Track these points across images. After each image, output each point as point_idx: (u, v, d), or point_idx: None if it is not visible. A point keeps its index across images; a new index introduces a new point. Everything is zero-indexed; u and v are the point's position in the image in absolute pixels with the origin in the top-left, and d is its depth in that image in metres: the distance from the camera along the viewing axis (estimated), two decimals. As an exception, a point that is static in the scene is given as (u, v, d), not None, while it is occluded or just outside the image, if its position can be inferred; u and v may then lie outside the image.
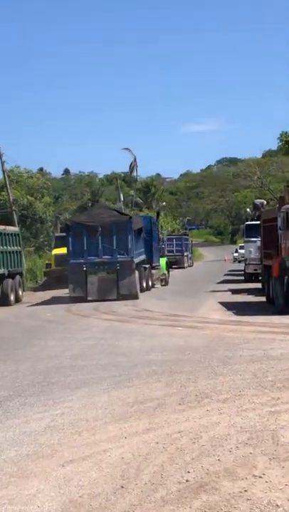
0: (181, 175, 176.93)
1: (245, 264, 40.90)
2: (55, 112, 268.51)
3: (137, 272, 32.24)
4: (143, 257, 35.07)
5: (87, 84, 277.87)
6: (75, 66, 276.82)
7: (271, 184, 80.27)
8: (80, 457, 7.76)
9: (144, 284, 35.27)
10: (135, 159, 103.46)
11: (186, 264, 70.30)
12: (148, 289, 36.16)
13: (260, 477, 6.75)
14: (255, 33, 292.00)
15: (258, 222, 33.88)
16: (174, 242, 69.90)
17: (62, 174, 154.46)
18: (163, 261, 42.10)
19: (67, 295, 32.62)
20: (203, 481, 6.75)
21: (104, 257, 31.52)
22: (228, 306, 25.80)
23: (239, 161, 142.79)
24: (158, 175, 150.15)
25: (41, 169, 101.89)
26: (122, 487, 6.75)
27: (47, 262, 47.36)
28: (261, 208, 37.42)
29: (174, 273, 53.84)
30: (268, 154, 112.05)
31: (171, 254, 64.37)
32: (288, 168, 69.11)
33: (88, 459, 7.68)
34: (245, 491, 6.43)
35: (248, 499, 6.23)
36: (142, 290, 34.07)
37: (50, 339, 18.79)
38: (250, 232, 38.49)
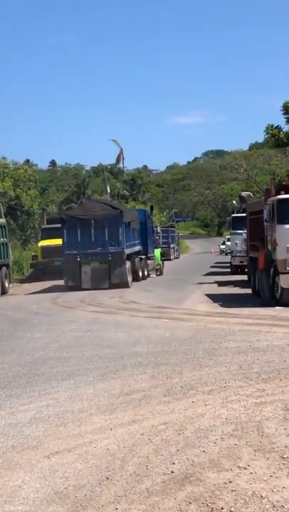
0: (167, 167, 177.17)
1: (232, 257, 40.95)
2: (42, 103, 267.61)
3: (128, 263, 33.71)
4: (137, 248, 37.16)
5: (74, 76, 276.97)
6: (62, 57, 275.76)
7: (257, 176, 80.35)
8: (66, 449, 7.75)
9: (140, 274, 37.38)
10: (122, 151, 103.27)
11: (172, 257, 70.28)
12: (144, 278, 38.26)
13: (245, 468, 6.76)
14: (241, 25, 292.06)
15: (244, 214, 33.90)
16: (161, 234, 69.90)
17: (49, 166, 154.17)
18: (157, 252, 44.21)
19: (55, 285, 32.66)
20: (188, 472, 6.76)
21: (96, 248, 33.07)
22: (215, 298, 25.84)
23: (226, 153, 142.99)
24: (145, 167, 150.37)
25: (27, 161, 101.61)
26: (108, 478, 6.76)
27: (33, 254, 47.29)
28: (247, 200, 37.52)
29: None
30: (255, 147, 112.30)
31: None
32: (274, 161, 69.21)
33: (74, 450, 7.68)
34: (230, 482, 6.44)
35: (232, 490, 6.25)
36: (138, 279, 36.57)
37: (36, 331, 18.76)
38: (237, 224, 38.50)
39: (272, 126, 45.50)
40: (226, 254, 62.59)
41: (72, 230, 33.37)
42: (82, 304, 26.38)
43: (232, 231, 40.59)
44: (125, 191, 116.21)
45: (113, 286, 32.47)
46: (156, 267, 43.64)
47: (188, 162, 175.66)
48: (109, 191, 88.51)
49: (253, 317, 19.44)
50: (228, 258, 47.62)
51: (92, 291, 31.64)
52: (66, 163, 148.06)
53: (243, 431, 7.96)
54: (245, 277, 32.70)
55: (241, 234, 36.82)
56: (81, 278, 33.00)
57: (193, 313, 21.21)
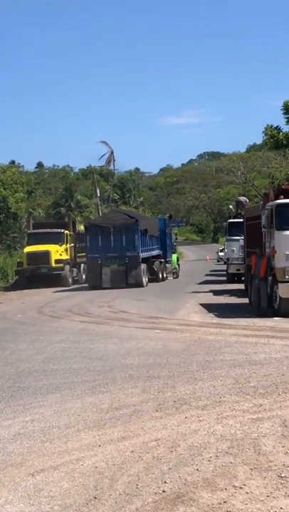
0: (160, 170, 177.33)
1: (228, 264, 40.94)
2: (29, 102, 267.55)
3: (143, 265, 39.81)
4: (155, 252, 43.88)
5: (62, 75, 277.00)
6: (49, 54, 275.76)
7: (255, 180, 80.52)
8: (51, 466, 7.74)
9: (160, 276, 43.67)
10: (112, 153, 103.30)
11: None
12: (163, 280, 44.13)
13: (241, 488, 6.77)
14: (238, 22, 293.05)
15: (241, 219, 33.97)
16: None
17: (36, 167, 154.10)
18: (174, 256, 50.21)
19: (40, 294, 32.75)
20: (180, 491, 6.76)
21: (115, 252, 39.20)
22: (210, 307, 25.85)
23: (222, 155, 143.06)
24: (137, 169, 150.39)
25: (13, 162, 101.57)
26: (95, 498, 6.75)
27: (18, 260, 47.24)
28: (245, 205, 37.63)
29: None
30: (253, 149, 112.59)
31: None
32: (273, 164, 69.33)
33: (60, 468, 7.67)
34: (225, 502, 6.45)
35: (227, 511, 6.25)
36: (158, 281, 42.83)
37: (20, 342, 18.72)
38: (233, 230, 38.59)
39: (271, 126, 45.62)
40: (225, 262, 62.79)
41: (94, 236, 39.71)
42: (69, 313, 26.35)
43: (228, 237, 40.63)
44: (115, 195, 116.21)
45: (130, 285, 38.22)
46: (173, 271, 49.28)
47: (183, 164, 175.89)
48: (99, 195, 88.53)
49: (250, 328, 19.46)
50: (224, 266, 47.63)
51: (81, 300, 31.70)
52: (54, 165, 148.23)
53: (239, 448, 7.96)
54: (241, 286, 32.74)
55: (238, 240, 36.87)
56: (102, 278, 38.92)
57: (187, 323, 21.21)
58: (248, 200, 42.48)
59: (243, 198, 42.54)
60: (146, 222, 43.88)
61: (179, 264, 51.95)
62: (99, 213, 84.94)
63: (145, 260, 40.64)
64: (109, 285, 38.44)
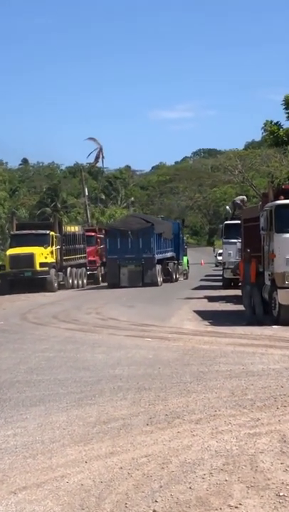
0: (153, 167, 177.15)
1: (224, 269, 40.96)
2: (13, 95, 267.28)
3: (158, 266, 45.97)
4: (169, 254, 50.18)
5: (48, 67, 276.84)
6: (36, 44, 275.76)
7: (254, 179, 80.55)
8: (35, 483, 7.72)
9: (174, 276, 50.57)
10: (101, 149, 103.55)
11: None
12: (176, 280, 50.92)
13: (236, 507, 6.77)
14: (237, 8, 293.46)
15: (239, 221, 33.98)
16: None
17: (20, 164, 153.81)
18: (185, 259, 56.92)
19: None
20: (172, 511, 6.75)
21: (132, 254, 45.22)
22: (204, 315, 25.88)
23: (218, 152, 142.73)
24: (127, 167, 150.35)
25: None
26: (81, 518, 6.74)
27: (0, 263, 47.19)
28: (242, 206, 37.69)
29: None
30: (251, 146, 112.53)
31: None
32: (273, 162, 69.42)
33: (43, 485, 7.65)
34: (220, 522, 6.45)
35: (222, 532, 6.25)
36: (172, 281, 49.47)
37: (2, 350, 18.70)
38: (230, 232, 38.67)
39: (271, 122, 45.77)
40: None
41: (113, 239, 46.12)
42: (54, 320, 26.34)
43: (225, 240, 40.72)
44: (102, 194, 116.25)
45: (145, 284, 44.20)
46: (184, 272, 55.88)
47: (176, 162, 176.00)
48: (87, 194, 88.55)
49: (248, 337, 19.48)
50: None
51: (67, 306, 31.76)
52: (39, 162, 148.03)
53: (235, 465, 7.96)
54: (238, 292, 32.75)
55: (235, 243, 36.92)
56: (120, 278, 45.04)
57: (179, 331, 21.23)
58: (245, 199, 42.56)
59: (239, 198, 42.78)
60: (161, 226, 49.83)
61: (189, 266, 58.66)
62: (87, 214, 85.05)
63: (160, 262, 46.94)
64: (127, 284, 44.50)
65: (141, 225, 46.72)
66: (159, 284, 45.37)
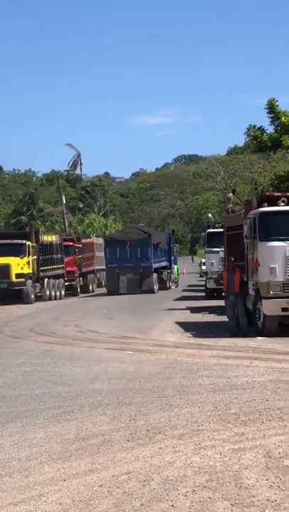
0: (133, 174, 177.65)
1: (207, 279, 41.00)
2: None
3: (155, 274, 50.75)
4: (164, 263, 55.05)
5: (24, 71, 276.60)
6: (14, 56, 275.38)
7: (237, 186, 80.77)
8: (11, 503, 7.70)
9: (168, 285, 54.93)
10: (79, 155, 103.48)
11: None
12: (169, 287, 54.98)
13: (221, 525, 6.77)
14: (221, 10, 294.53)
15: (222, 229, 34.03)
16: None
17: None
18: (175, 267, 61.26)
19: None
20: (154, 530, 6.76)
21: (131, 263, 49.53)
22: (187, 326, 25.89)
23: (200, 158, 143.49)
24: (106, 174, 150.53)
25: None
26: (60, 538, 6.73)
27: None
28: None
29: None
30: (234, 152, 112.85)
31: None
32: (256, 168, 69.63)
33: (20, 505, 7.63)
34: None
35: None
36: (166, 289, 53.47)
37: (-23, 365, 18.63)
38: (213, 241, 38.75)
39: (254, 127, 46.04)
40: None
41: (112, 248, 50.60)
42: (32, 333, 26.29)
43: (207, 249, 40.77)
44: (80, 202, 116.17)
45: (143, 291, 48.48)
46: (175, 280, 59.94)
47: (157, 169, 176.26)
48: (64, 202, 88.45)
49: (232, 349, 19.51)
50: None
51: (45, 319, 31.74)
52: (15, 169, 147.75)
53: (219, 482, 7.97)
54: (222, 303, 32.78)
55: (218, 252, 36.99)
56: (119, 285, 49.48)
57: (161, 344, 21.24)
58: (231, 196, 43.00)
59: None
60: (157, 236, 54.98)
61: (178, 274, 63.36)
62: (65, 223, 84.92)
63: (156, 270, 51.55)
64: (125, 291, 48.95)
65: (139, 236, 51.47)
66: (156, 291, 49.92)
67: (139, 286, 49.67)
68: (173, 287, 56.93)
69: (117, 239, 52.50)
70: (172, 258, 59.15)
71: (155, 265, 51.36)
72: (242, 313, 23.41)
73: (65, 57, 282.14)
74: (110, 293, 49.71)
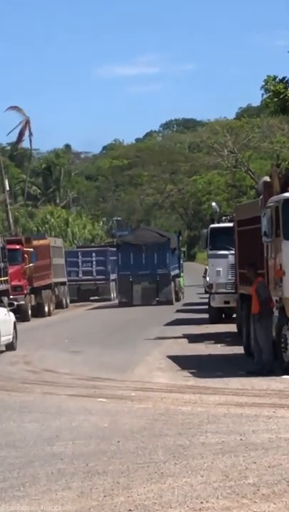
0: (104, 148, 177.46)
1: (210, 294, 40.47)
2: None
3: (172, 283, 59.09)
4: (177, 271, 62.36)
5: None
6: None
7: (251, 162, 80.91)
8: None
9: (178, 294, 62.53)
10: (28, 123, 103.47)
11: (113, 295, 69.14)
12: (180, 299, 62.98)
13: None
14: None
15: (231, 224, 34.06)
16: (93, 259, 69.17)
17: None
18: (181, 277, 67.51)
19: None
20: None
21: (146, 270, 57.70)
22: (183, 362, 25.93)
23: (199, 124, 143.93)
24: (67, 148, 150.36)
25: None
26: None
27: None
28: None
29: (94, 313, 56.77)
30: (247, 114, 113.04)
31: (87, 278, 67.73)
32: (279, 137, 69.63)
33: None
34: None
35: None
36: (179, 299, 62.05)
37: None
38: (218, 240, 38.34)
39: (274, 78, 45.96)
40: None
41: (125, 253, 59.21)
42: None
43: (211, 252, 40.15)
44: (36, 188, 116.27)
45: (160, 303, 56.63)
46: (182, 291, 66.66)
47: (138, 140, 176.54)
48: (8, 188, 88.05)
49: (247, 393, 19.57)
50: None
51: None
52: None
53: None
54: (233, 327, 32.86)
55: (226, 256, 36.89)
56: (133, 296, 57.57)
57: (148, 387, 21.29)
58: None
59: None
60: (173, 240, 63.19)
61: (184, 284, 69.40)
62: (8, 218, 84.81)
63: (173, 278, 59.74)
64: (139, 302, 57.10)
65: (156, 239, 60.53)
66: (174, 302, 58.07)
67: (155, 296, 58.11)
68: (181, 298, 64.17)
69: (130, 242, 60.49)
70: (181, 265, 66.48)
71: (173, 273, 59.66)
72: (264, 343, 23.04)
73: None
74: (122, 304, 57.70)
